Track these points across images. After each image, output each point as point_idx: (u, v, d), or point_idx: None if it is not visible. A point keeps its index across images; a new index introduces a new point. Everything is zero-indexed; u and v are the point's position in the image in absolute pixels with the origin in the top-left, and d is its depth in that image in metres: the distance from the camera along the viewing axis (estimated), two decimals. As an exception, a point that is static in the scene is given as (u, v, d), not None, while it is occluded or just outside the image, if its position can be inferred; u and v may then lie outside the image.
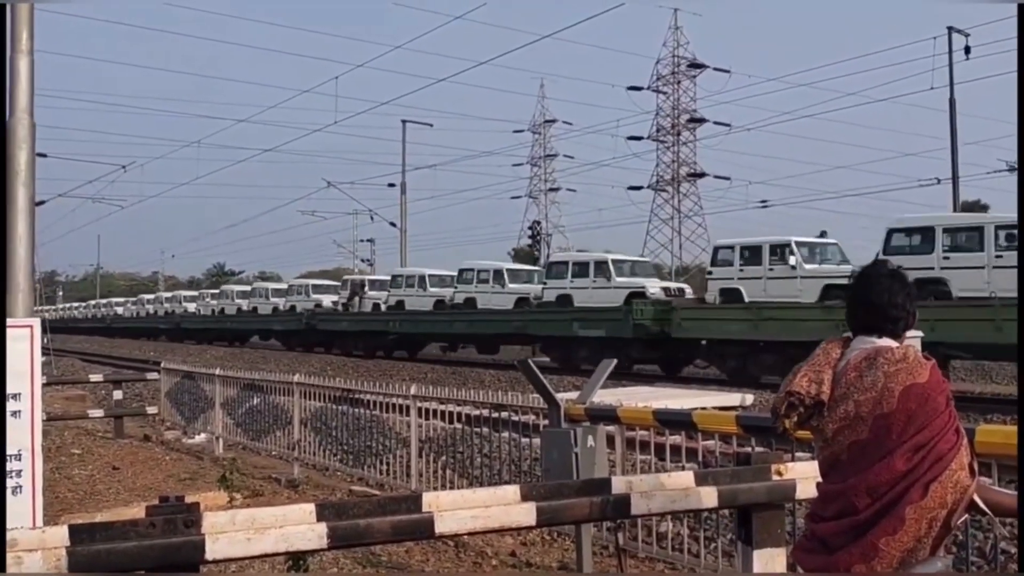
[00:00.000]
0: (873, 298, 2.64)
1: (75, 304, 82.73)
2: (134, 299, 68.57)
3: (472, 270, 32.16)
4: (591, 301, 26.05)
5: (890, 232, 19.22)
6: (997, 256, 17.36)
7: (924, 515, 2.44)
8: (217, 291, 52.50)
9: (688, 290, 27.23)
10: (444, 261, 38.12)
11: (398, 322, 32.62)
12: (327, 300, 39.50)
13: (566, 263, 28.91)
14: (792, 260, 21.46)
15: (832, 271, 20.90)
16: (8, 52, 5.92)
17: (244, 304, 46.19)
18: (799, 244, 21.85)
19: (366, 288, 37.57)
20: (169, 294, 63.32)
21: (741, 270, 22.57)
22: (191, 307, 53.65)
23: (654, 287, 25.60)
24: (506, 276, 31.38)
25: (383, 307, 35.13)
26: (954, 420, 2.53)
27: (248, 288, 49.85)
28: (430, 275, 34.28)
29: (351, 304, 36.84)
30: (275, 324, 41.60)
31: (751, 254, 22.53)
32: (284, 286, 45.38)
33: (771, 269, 21.92)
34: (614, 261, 27.52)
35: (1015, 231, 17.22)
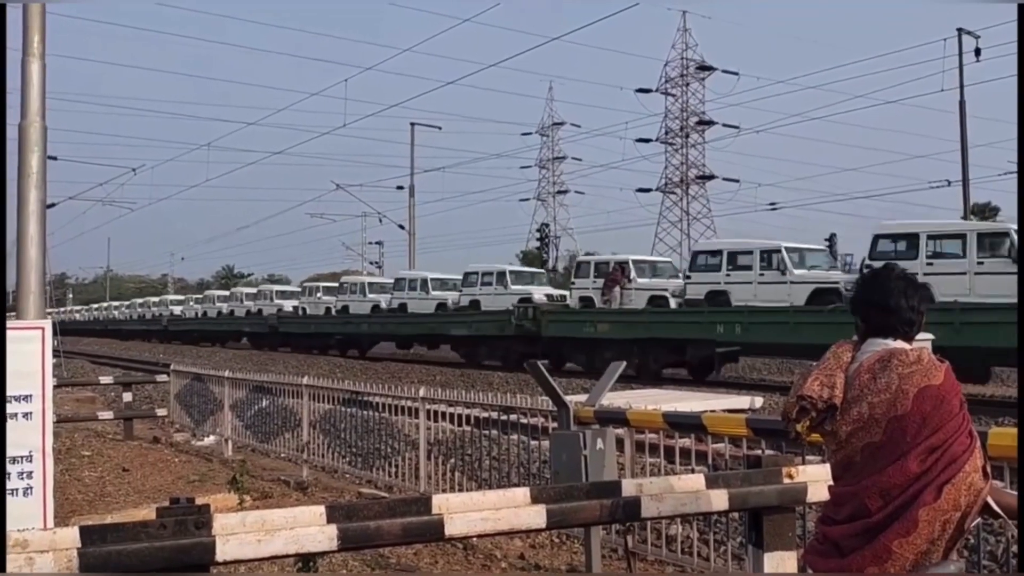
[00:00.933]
0: (889, 301, 2.63)
1: (115, 303, 73.56)
2: (198, 296, 58.30)
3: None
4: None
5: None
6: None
7: (937, 517, 2.43)
8: (336, 284, 40.94)
9: None
10: (452, 264, 35.29)
11: (740, 324, 20.78)
12: (539, 294, 28.85)
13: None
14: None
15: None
16: (20, 56, 5.96)
17: (382, 301, 35.16)
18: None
19: (631, 274, 25.48)
20: (251, 289, 52.36)
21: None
22: (289, 305, 42.48)
23: None
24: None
25: (673, 302, 23.91)
26: (968, 423, 2.52)
27: (385, 280, 39.16)
28: (789, 248, 21.83)
29: (609, 297, 25.21)
30: (452, 327, 29.97)
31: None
32: (453, 276, 33.61)
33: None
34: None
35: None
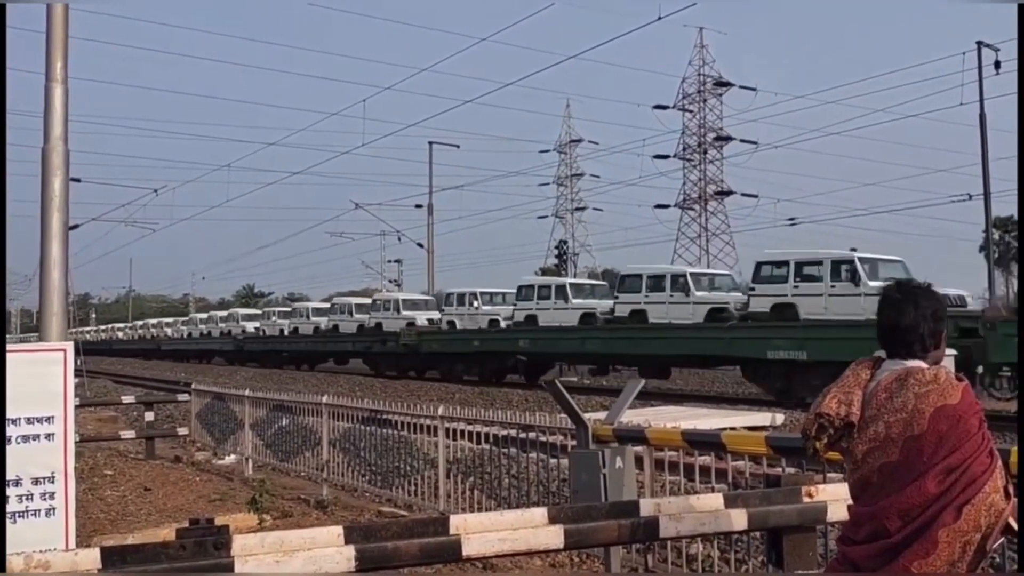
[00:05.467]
0: (900, 320, 2.62)
1: (165, 320, 64.42)
2: (285, 310, 47.95)
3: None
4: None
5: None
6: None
7: (958, 538, 2.40)
8: (497, 291, 31.68)
9: None
10: (471, 281, 32.55)
11: None
12: None
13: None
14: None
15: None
16: (43, 81, 6.06)
17: (597, 307, 25.55)
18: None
19: None
20: (364, 300, 39.45)
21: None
22: (422, 318, 32.59)
23: None
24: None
25: None
26: (987, 442, 2.49)
27: (587, 281, 29.64)
28: None
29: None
30: (769, 348, 19.60)
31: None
32: (659, 270, 24.78)
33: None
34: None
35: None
